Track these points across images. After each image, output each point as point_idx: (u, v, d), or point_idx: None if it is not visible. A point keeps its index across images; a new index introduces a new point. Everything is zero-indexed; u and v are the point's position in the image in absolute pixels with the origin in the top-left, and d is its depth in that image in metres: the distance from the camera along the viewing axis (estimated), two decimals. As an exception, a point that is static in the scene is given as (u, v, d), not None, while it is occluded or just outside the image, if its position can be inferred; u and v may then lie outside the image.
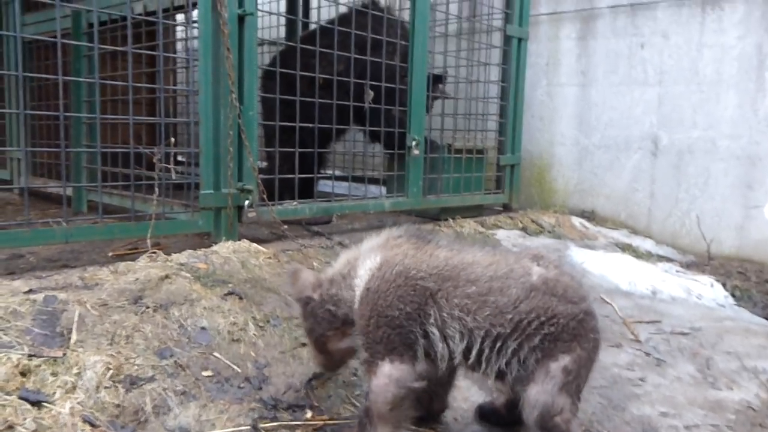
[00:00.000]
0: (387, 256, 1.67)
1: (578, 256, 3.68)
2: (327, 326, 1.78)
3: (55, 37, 2.52)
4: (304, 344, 2.16)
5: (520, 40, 4.74)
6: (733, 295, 3.51)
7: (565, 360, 1.56)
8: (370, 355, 1.64)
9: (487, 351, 1.58)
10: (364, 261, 1.71)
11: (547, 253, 1.73)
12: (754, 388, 2.34)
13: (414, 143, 3.83)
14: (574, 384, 1.59)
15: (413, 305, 1.60)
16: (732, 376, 2.44)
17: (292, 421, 1.78)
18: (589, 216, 4.95)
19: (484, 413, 1.97)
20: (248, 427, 1.70)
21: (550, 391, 1.55)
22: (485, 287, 1.58)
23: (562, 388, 1.56)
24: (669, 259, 4.25)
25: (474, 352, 1.59)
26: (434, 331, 1.60)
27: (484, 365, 1.60)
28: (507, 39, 4.68)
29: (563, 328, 1.56)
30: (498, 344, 1.57)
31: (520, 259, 1.66)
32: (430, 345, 1.63)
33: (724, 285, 3.59)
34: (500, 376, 1.62)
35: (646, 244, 4.50)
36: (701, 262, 4.28)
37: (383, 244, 1.72)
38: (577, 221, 4.71)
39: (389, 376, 1.60)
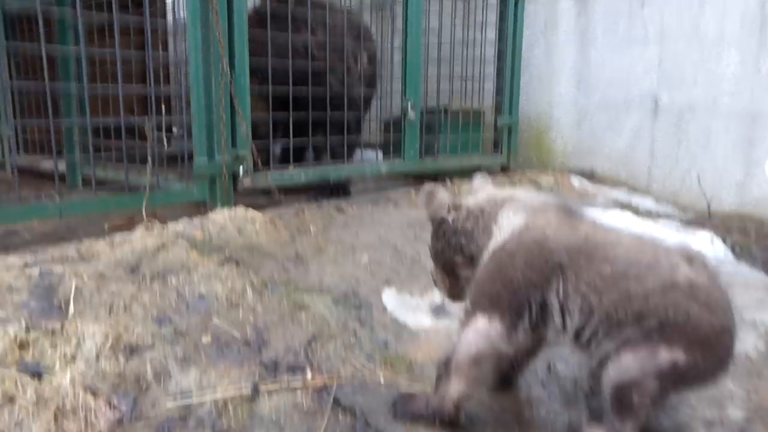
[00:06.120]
0: (531, 221, 1.59)
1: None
2: (457, 252, 1.74)
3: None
4: (302, 308, 2.16)
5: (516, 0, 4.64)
6: (732, 251, 3.50)
7: (680, 355, 1.41)
8: (471, 306, 1.57)
9: (600, 334, 1.48)
10: (509, 214, 1.63)
11: (703, 258, 1.57)
12: (752, 340, 2.34)
13: (410, 105, 3.78)
14: (672, 383, 1.45)
15: (539, 274, 1.51)
16: (732, 329, 2.44)
17: (292, 382, 1.78)
18: (589, 175, 4.91)
19: None
20: (249, 389, 1.71)
21: (645, 370, 1.42)
22: (620, 270, 1.47)
23: (659, 375, 1.42)
24: (669, 217, 4.23)
25: (587, 332, 1.49)
26: (554, 302, 1.51)
27: (593, 346, 1.51)
28: (503, -2, 4.59)
29: (693, 329, 1.42)
30: (613, 331, 1.46)
31: (670, 253, 1.53)
32: (547, 315, 1.54)
33: (724, 240, 3.57)
34: (604, 357, 1.51)
35: (645, 202, 4.48)
36: (701, 219, 4.26)
37: (532, 207, 1.63)
38: (576, 181, 4.67)
39: (481, 331, 1.52)
